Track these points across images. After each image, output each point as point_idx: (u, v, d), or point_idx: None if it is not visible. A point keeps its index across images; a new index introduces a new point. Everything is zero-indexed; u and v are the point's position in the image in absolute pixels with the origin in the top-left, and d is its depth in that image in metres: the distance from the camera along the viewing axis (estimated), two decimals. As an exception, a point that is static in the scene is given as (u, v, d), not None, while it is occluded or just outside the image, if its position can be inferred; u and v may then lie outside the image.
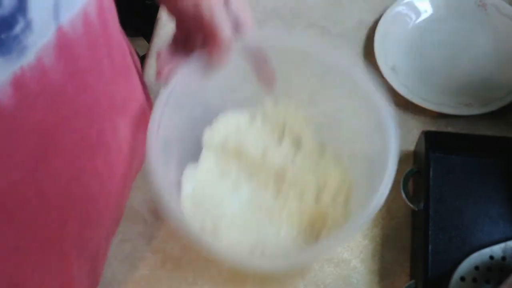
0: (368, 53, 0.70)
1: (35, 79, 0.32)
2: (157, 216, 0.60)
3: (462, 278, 0.51)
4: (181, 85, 0.49)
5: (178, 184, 0.54)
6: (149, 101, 0.58)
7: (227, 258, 0.45)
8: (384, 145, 0.47)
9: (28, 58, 0.31)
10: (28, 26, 0.29)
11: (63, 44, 0.33)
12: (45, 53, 0.32)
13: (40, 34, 0.31)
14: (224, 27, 0.45)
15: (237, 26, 0.47)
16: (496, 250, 0.52)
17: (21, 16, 0.28)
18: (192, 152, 0.57)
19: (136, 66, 0.55)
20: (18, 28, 0.29)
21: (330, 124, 0.57)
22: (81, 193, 0.43)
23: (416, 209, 0.56)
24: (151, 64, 0.70)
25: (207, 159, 0.57)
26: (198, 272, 0.57)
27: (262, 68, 0.50)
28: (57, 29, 0.32)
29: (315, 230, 0.53)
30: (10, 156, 0.33)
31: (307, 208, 0.54)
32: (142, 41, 1.21)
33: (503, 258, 0.52)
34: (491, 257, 0.52)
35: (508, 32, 0.69)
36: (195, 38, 0.48)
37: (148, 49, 0.73)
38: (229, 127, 0.57)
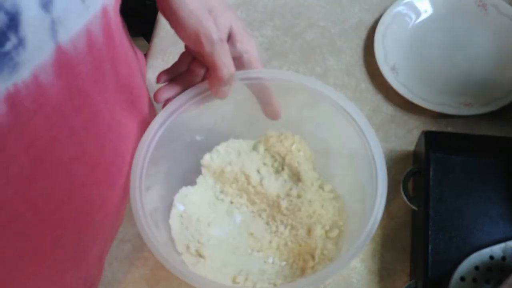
0: (368, 53, 0.70)
1: (31, 96, 0.32)
2: (157, 216, 0.60)
3: (462, 278, 0.51)
4: (181, 109, 0.49)
5: (171, 204, 0.55)
6: (152, 108, 0.58)
7: (206, 285, 0.45)
8: (374, 183, 0.47)
9: (22, 75, 0.30)
10: (21, 43, 0.29)
11: (63, 63, 0.33)
12: (42, 71, 0.32)
13: (35, 52, 0.30)
14: (225, 63, 0.45)
15: (239, 63, 0.47)
16: (496, 250, 0.52)
17: (12, 34, 0.28)
18: (190, 174, 0.57)
19: (143, 75, 0.55)
20: (9, 45, 0.28)
21: (329, 160, 0.57)
22: (79, 206, 0.42)
23: (416, 209, 0.56)
24: (151, 64, 0.70)
25: (204, 181, 0.57)
26: (198, 272, 0.57)
27: (267, 100, 0.50)
28: (55, 47, 0.32)
29: (302, 263, 0.53)
30: (2, 172, 0.33)
31: (297, 240, 0.54)
32: (142, 41, 1.21)
33: (503, 258, 0.52)
34: (491, 257, 0.52)
35: (508, 32, 0.69)
36: (198, 66, 0.48)
37: (148, 49, 0.73)
38: (230, 152, 0.57)
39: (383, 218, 0.59)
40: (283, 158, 0.57)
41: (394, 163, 0.62)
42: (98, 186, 0.43)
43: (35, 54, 0.31)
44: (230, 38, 0.46)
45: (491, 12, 0.70)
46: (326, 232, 0.54)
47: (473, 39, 0.70)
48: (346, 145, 0.52)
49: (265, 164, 0.57)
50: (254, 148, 0.58)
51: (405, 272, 0.57)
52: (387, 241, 0.58)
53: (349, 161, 0.54)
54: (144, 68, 0.58)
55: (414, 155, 0.62)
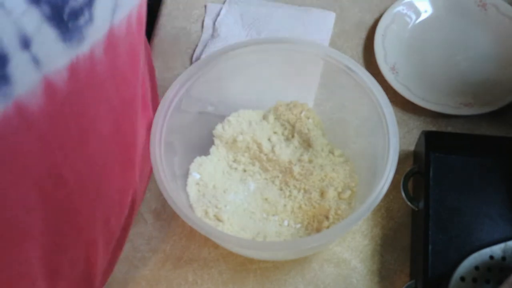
0: (368, 53, 0.70)
1: (86, 69, 0.35)
2: (157, 216, 0.60)
3: (462, 278, 0.51)
4: (192, 80, 0.53)
5: (187, 173, 0.57)
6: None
7: (229, 240, 0.48)
8: (386, 143, 0.49)
9: (83, 49, 0.34)
10: (90, 19, 0.33)
11: (111, 42, 0.37)
12: (97, 47, 0.35)
13: (97, 28, 0.34)
14: None
15: None
16: (496, 250, 0.52)
17: (87, 10, 0.32)
18: (204, 144, 0.59)
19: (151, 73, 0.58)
20: (82, 20, 0.32)
21: (338, 125, 0.59)
22: (113, 183, 0.45)
23: (416, 209, 0.56)
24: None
25: (217, 151, 0.59)
26: (198, 272, 0.57)
27: None
28: (110, 27, 0.36)
29: (316, 224, 0.55)
30: (56, 137, 0.36)
31: (311, 203, 0.56)
32: (142, 41, 1.21)
33: (503, 258, 0.52)
34: (491, 257, 0.52)
35: (508, 32, 0.69)
36: None
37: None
38: (241, 122, 0.59)
39: (383, 218, 0.59)
40: (293, 126, 0.59)
41: (394, 163, 0.62)
42: (131, 166, 0.47)
43: (97, 31, 0.34)
44: None
45: (491, 12, 0.70)
46: (339, 193, 0.56)
47: (473, 39, 0.70)
48: (358, 111, 0.55)
49: (275, 132, 0.59)
50: (264, 117, 0.60)
51: (405, 272, 0.57)
52: (387, 241, 0.58)
53: (362, 126, 0.56)
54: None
55: (414, 155, 0.62)
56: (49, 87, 0.33)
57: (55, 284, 0.44)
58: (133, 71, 0.43)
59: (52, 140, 0.36)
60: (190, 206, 0.55)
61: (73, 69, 0.34)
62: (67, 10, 0.31)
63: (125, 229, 0.53)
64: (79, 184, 0.40)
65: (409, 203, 0.56)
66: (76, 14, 0.32)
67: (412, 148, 0.62)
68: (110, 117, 0.41)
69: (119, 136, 0.44)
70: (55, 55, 0.32)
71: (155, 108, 0.52)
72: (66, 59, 0.33)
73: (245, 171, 0.59)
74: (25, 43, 0.30)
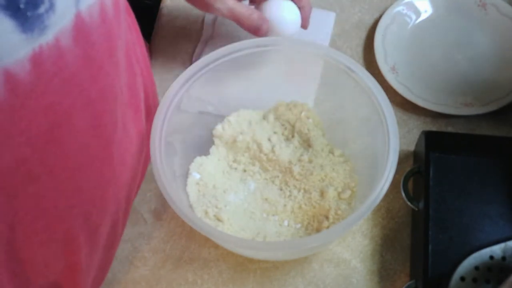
0: (368, 53, 0.70)
1: (52, 58, 0.34)
2: (157, 216, 0.60)
3: (462, 278, 0.51)
4: (193, 79, 0.53)
5: (187, 173, 0.57)
6: (155, 99, 0.59)
7: (229, 240, 0.48)
8: (386, 143, 0.49)
9: (47, 38, 0.33)
10: (51, 7, 0.32)
11: (80, 29, 0.35)
12: (63, 35, 0.34)
13: (60, 16, 0.33)
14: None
15: None
16: (496, 250, 0.52)
17: None
18: (204, 144, 0.59)
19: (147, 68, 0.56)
20: (43, 8, 0.31)
21: (338, 125, 0.59)
22: (92, 178, 0.43)
23: (416, 209, 0.56)
24: (151, 64, 0.70)
25: (217, 151, 0.59)
26: (198, 272, 0.57)
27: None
28: (76, 13, 0.34)
29: (316, 224, 0.55)
30: (22, 131, 0.35)
31: (311, 203, 0.56)
32: (142, 41, 1.21)
33: (503, 258, 0.52)
34: (491, 257, 0.52)
35: (508, 32, 0.69)
36: None
37: (148, 49, 0.73)
38: (241, 122, 0.59)
39: (383, 218, 0.59)
40: (293, 126, 0.59)
41: (394, 163, 0.62)
42: (110, 161, 0.45)
43: (61, 18, 0.33)
44: None
45: (491, 12, 0.70)
46: (339, 193, 0.56)
47: (473, 39, 0.70)
48: (358, 112, 0.55)
49: (275, 132, 0.59)
50: (264, 117, 0.60)
51: (405, 272, 0.57)
52: (387, 241, 0.58)
53: (362, 126, 0.56)
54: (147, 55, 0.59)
55: (414, 155, 0.62)
56: (9, 79, 0.32)
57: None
58: (111, 60, 0.41)
59: (17, 135, 0.34)
60: (190, 206, 0.55)
61: (36, 59, 0.33)
62: None
63: (114, 228, 0.52)
64: (52, 179, 0.39)
65: (409, 203, 0.56)
66: (34, 2, 0.30)
67: (412, 148, 0.62)
68: (88, 110, 0.39)
69: (99, 130, 0.42)
70: (15, 46, 0.31)
71: (155, 108, 0.52)
72: (27, 49, 0.32)
73: (245, 171, 0.59)
74: None
